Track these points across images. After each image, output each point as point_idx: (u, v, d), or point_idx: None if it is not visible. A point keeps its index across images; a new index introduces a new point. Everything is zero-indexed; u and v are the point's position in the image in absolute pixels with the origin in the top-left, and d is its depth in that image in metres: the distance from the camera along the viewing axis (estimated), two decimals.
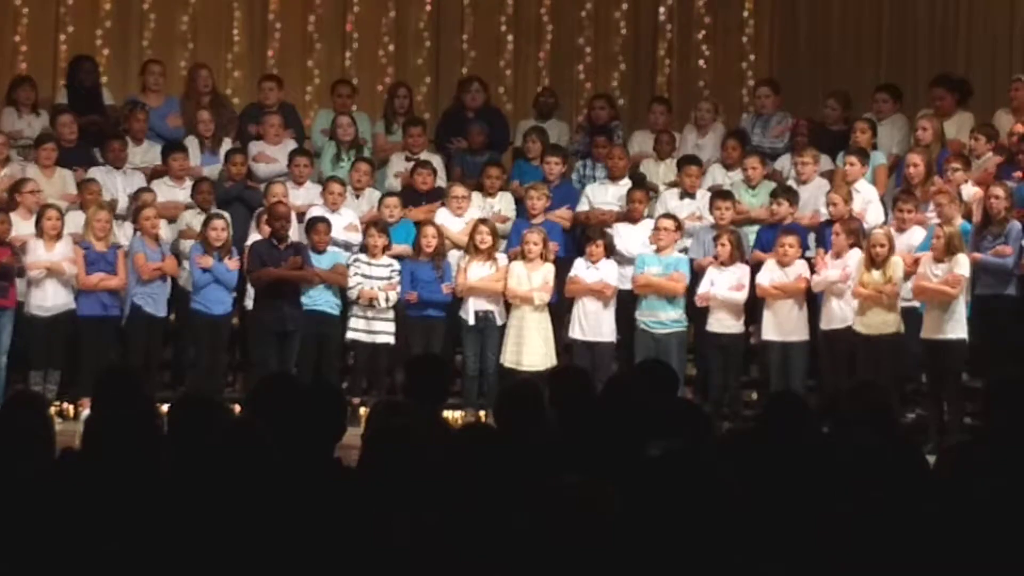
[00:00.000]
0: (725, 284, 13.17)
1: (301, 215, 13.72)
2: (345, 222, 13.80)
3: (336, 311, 13.49)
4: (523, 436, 6.37)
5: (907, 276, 12.63)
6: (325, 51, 16.98)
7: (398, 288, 13.44)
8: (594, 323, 13.36)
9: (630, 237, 13.67)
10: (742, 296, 13.16)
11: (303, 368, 13.03)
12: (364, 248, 13.59)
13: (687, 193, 13.93)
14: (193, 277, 13.34)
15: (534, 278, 13.38)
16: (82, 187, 13.76)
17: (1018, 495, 4.62)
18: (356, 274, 13.43)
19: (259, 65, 16.59)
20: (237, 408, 7.82)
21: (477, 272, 13.50)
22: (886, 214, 13.36)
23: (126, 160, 14.15)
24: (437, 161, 14.58)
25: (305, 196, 14.03)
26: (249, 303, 13.50)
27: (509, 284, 13.40)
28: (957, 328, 12.38)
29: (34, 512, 5.02)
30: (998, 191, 12.68)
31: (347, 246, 13.69)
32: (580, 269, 13.44)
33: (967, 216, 12.93)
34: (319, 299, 13.40)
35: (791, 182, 13.83)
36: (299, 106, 15.88)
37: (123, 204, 13.88)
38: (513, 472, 5.23)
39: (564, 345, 13.46)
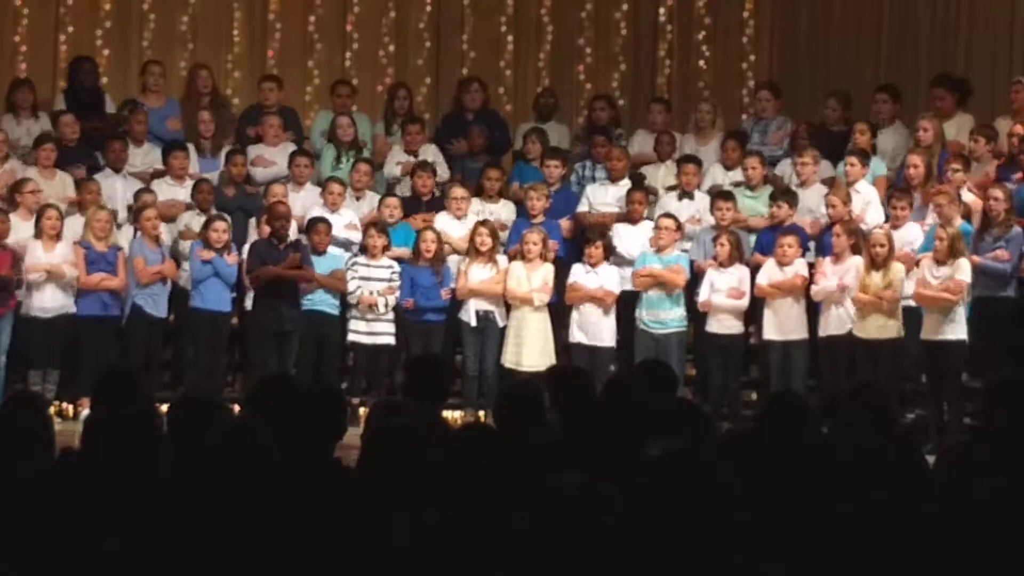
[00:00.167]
0: (724, 285, 13.17)
1: (299, 224, 13.69)
2: (345, 221, 13.79)
3: (335, 311, 13.48)
4: (523, 436, 6.37)
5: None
6: (325, 51, 16.96)
7: (397, 292, 13.43)
8: (595, 328, 13.35)
9: (630, 238, 13.67)
10: (743, 303, 13.16)
11: (302, 368, 13.02)
12: (364, 248, 13.59)
13: (686, 193, 13.93)
14: (192, 270, 13.32)
15: (533, 279, 13.38)
16: (81, 187, 13.73)
17: (1018, 495, 4.63)
18: (355, 277, 13.44)
19: (259, 66, 16.57)
20: (237, 408, 7.82)
21: (478, 274, 13.49)
22: (886, 216, 13.36)
23: (126, 161, 14.13)
24: (435, 152, 14.52)
25: (305, 198, 14.02)
26: (249, 304, 13.49)
27: (508, 285, 13.39)
28: (957, 329, 12.39)
29: (34, 512, 5.02)
30: (997, 193, 12.69)
31: (347, 245, 13.68)
32: (579, 275, 13.41)
33: (966, 216, 12.93)
34: (318, 299, 13.39)
35: (791, 186, 13.82)
36: (299, 107, 15.88)
37: (123, 216, 13.84)
38: (513, 472, 5.23)
39: (563, 345, 13.46)
